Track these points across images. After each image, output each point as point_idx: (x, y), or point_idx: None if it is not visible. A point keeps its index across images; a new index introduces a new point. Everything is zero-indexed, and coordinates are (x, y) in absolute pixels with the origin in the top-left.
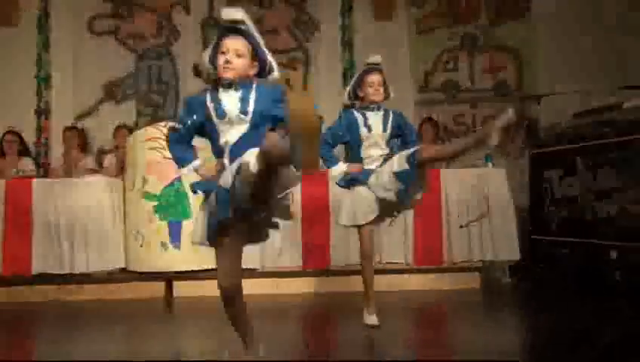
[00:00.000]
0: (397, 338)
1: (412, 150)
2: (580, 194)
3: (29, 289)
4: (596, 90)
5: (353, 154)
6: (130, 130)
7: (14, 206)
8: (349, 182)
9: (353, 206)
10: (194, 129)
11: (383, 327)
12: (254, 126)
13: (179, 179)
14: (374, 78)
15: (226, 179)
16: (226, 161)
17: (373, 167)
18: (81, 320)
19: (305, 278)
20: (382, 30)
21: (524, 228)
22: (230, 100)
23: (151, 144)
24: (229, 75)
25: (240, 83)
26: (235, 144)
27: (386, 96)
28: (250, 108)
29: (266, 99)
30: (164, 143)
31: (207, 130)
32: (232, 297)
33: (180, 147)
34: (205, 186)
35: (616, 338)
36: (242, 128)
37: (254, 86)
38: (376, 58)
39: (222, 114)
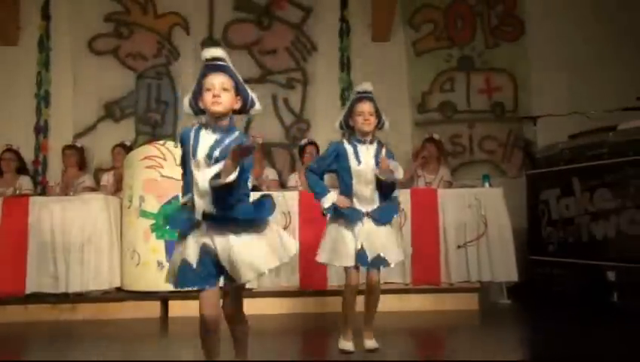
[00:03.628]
0: (394, 359)
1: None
2: (576, 215)
3: (22, 308)
4: (592, 112)
5: (344, 187)
6: (127, 149)
7: (11, 224)
8: (337, 214)
9: (334, 245)
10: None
11: (381, 348)
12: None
13: (176, 197)
14: (364, 106)
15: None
16: (196, 197)
17: (363, 209)
18: (76, 339)
19: (302, 298)
20: (379, 51)
21: (522, 249)
22: (204, 141)
23: (148, 163)
24: (219, 108)
25: (222, 127)
26: (203, 184)
27: (379, 126)
28: (216, 154)
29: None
30: (161, 162)
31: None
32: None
33: (186, 178)
34: (182, 226)
35: (615, 360)
36: (209, 172)
37: (236, 134)
38: (366, 86)
39: (194, 153)
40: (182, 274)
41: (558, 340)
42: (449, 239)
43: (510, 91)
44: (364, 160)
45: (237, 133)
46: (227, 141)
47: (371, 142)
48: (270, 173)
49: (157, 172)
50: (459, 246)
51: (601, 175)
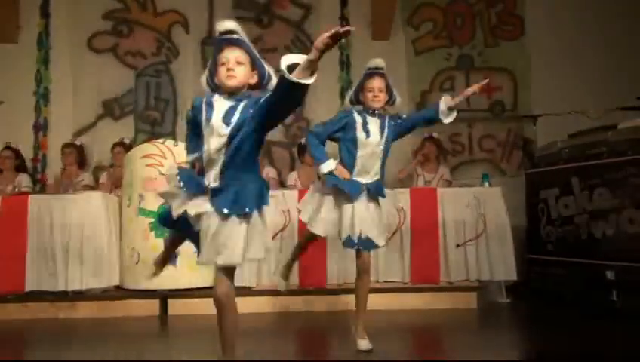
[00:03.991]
0: (392, 357)
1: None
2: (575, 214)
3: (22, 306)
4: (591, 111)
5: (347, 158)
6: (127, 147)
7: (10, 222)
8: (335, 186)
9: (315, 209)
10: (195, 126)
11: (379, 346)
12: (230, 139)
13: None
14: (374, 83)
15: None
16: (205, 165)
17: (363, 181)
18: (75, 337)
19: (301, 296)
20: (379, 50)
21: (521, 248)
22: (219, 107)
23: (148, 161)
24: (233, 83)
25: (237, 94)
26: (215, 152)
27: (391, 102)
28: (234, 120)
29: (250, 106)
30: (161, 160)
31: (199, 131)
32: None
33: (191, 139)
34: (190, 186)
35: (614, 359)
36: (221, 140)
37: (248, 99)
38: (377, 61)
39: (208, 119)
40: (161, 216)
41: (556, 339)
42: (448, 238)
43: (510, 90)
44: (372, 132)
45: (250, 97)
46: (242, 104)
47: (380, 116)
48: (270, 172)
49: (157, 170)
50: (458, 245)
51: (601, 174)
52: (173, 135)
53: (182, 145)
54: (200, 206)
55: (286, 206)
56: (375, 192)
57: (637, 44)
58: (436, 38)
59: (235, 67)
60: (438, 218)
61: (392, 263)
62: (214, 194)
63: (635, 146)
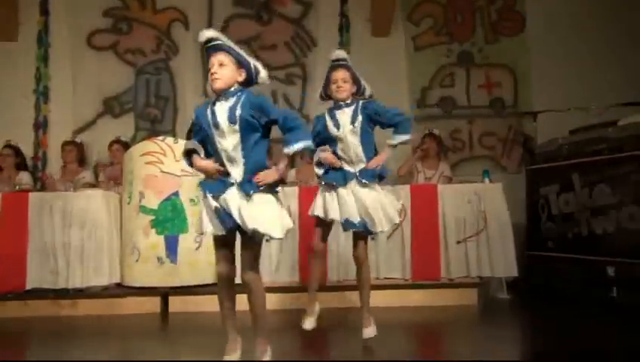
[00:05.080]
0: (393, 354)
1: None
2: (576, 211)
3: (22, 304)
4: (592, 107)
5: (335, 154)
6: (125, 145)
7: (11, 220)
8: (326, 182)
9: (321, 201)
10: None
11: (380, 343)
12: (244, 134)
13: (176, 193)
14: (337, 74)
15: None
16: (227, 164)
17: (351, 170)
18: (76, 335)
19: (302, 293)
20: (379, 46)
21: (522, 244)
22: (221, 111)
23: (148, 158)
24: (218, 85)
25: (230, 93)
26: (233, 150)
27: (359, 93)
28: (237, 116)
29: (251, 106)
30: (161, 157)
31: (207, 137)
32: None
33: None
34: (212, 189)
35: (614, 356)
36: (235, 137)
37: (243, 95)
38: (338, 53)
39: (216, 124)
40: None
41: (557, 335)
42: (449, 234)
43: (510, 86)
44: (342, 124)
45: (246, 93)
46: (241, 101)
47: (348, 106)
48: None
49: (157, 168)
50: (458, 242)
51: (601, 170)
52: (173, 132)
53: (182, 143)
54: (227, 197)
55: (286, 203)
56: (364, 178)
57: (638, 40)
58: (436, 35)
59: (218, 70)
60: (439, 214)
61: (393, 260)
62: (239, 185)
63: (636, 143)
